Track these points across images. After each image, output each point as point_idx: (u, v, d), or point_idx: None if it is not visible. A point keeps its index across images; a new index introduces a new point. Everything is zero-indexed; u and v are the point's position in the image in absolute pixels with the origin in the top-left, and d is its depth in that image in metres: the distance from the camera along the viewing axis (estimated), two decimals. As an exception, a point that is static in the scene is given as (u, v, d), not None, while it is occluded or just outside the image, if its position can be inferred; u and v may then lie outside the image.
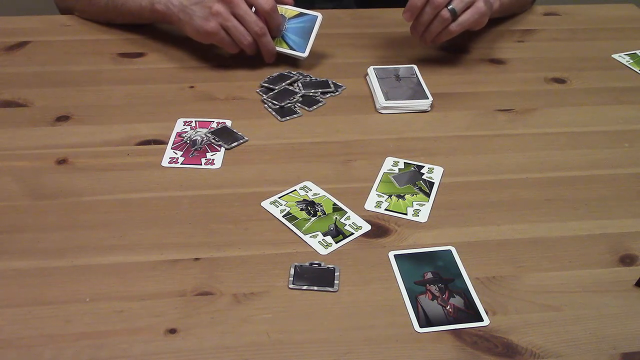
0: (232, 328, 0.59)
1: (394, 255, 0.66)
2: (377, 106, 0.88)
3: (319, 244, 0.67)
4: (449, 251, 0.67)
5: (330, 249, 0.67)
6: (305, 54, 0.93)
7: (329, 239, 0.68)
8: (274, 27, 0.92)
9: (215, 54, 0.98)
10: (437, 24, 0.91)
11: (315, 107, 0.89)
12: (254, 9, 0.90)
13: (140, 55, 0.98)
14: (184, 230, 0.69)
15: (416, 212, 0.72)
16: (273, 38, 0.93)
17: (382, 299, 0.62)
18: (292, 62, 0.97)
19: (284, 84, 0.91)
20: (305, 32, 0.94)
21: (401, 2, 1.17)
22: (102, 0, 1.01)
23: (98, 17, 1.04)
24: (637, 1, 1.21)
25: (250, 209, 0.71)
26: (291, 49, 0.94)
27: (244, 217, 0.70)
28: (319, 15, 0.94)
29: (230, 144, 0.80)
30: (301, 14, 0.95)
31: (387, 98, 0.88)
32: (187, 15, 0.91)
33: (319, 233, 0.69)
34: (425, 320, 0.60)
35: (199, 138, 0.81)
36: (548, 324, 0.60)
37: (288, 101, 0.89)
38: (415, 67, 0.96)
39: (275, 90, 0.90)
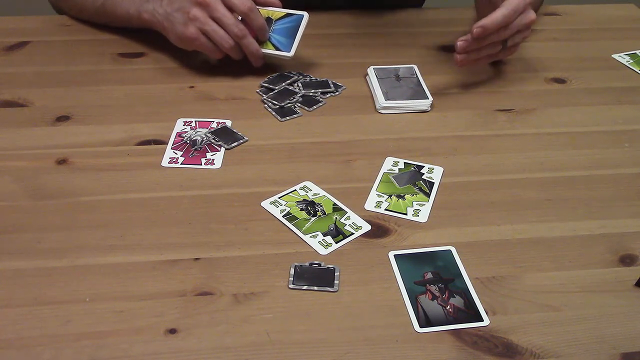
0: (232, 328, 0.59)
1: (394, 255, 0.66)
2: (377, 106, 0.88)
3: (319, 244, 0.67)
4: (449, 251, 0.67)
5: (330, 249, 0.67)
6: (291, 53, 0.91)
7: (329, 239, 0.68)
8: (257, 29, 0.90)
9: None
10: (488, 51, 0.88)
11: (315, 107, 0.89)
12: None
13: (140, 55, 0.98)
14: (184, 230, 0.69)
15: (416, 212, 0.72)
16: (260, 42, 0.91)
17: (382, 299, 0.62)
18: (292, 62, 0.97)
19: (284, 84, 0.91)
20: (291, 32, 0.92)
21: (407, 4, 1.17)
22: (92, 7, 1.01)
23: (90, 21, 1.04)
24: (637, 1, 1.21)
25: (250, 209, 0.71)
26: (277, 49, 0.92)
27: (244, 217, 0.70)
28: (304, 14, 0.92)
29: (230, 144, 0.81)
30: (288, 15, 0.93)
31: (387, 98, 0.88)
32: (170, 23, 0.90)
33: (319, 233, 0.69)
34: (425, 320, 0.60)
35: (199, 138, 0.81)
36: (548, 324, 0.60)
37: (288, 101, 0.89)
38: (415, 67, 0.96)
39: (275, 90, 0.90)
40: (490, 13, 0.84)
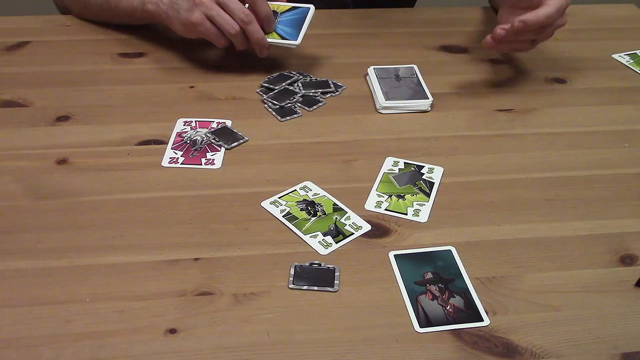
0: (232, 328, 0.59)
1: (394, 255, 0.66)
2: (377, 106, 0.88)
3: (319, 244, 0.67)
4: (449, 251, 0.67)
5: (330, 249, 0.67)
6: (298, 42, 0.90)
7: (329, 239, 0.68)
8: (263, 17, 0.90)
9: (216, 54, 0.98)
10: (517, 46, 0.91)
11: (315, 107, 0.89)
12: (246, 5, 0.90)
13: (140, 55, 0.98)
14: (184, 230, 0.69)
15: (416, 212, 0.72)
16: (265, 32, 0.91)
17: (382, 299, 0.62)
18: (292, 61, 0.97)
19: (284, 84, 0.91)
20: (297, 23, 0.92)
21: (398, 3, 1.17)
22: (96, 2, 1.01)
23: (94, 18, 1.04)
24: (637, 1, 1.21)
25: (250, 209, 0.71)
26: (283, 39, 0.91)
27: (244, 217, 0.70)
28: (311, 6, 0.93)
29: (230, 144, 0.81)
30: (293, 8, 0.94)
31: (387, 98, 0.88)
32: (175, 11, 0.91)
33: (319, 233, 0.69)
34: (425, 320, 0.60)
35: (199, 138, 0.81)
36: (548, 324, 0.60)
37: (288, 101, 0.89)
38: (415, 67, 0.96)
39: (275, 90, 0.90)
40: (535, 10, 0.85)
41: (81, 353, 0.56)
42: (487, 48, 0.88)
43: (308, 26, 0.92)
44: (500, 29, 0.85)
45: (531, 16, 0.84)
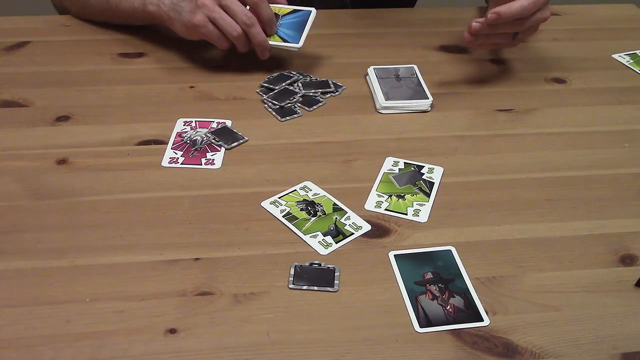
0: (232, 328, 0.59)
1: (394, 255, 0.66)
2: (377, 106, 0.88)
3: (319, 244, 0.67)
4: (449, 251, 0.67)
5: (330, 249, 0.67)
6: (299, 45, 0.91)
7: (329, 239, 0.68)
8: (265, 20, 0.90)
9: (216, 54, 0.98)
10: (497, 40, 0.90)
11: (315, 107, 0.88)
12: (248, 7, 0.90)
13: (140, 55, 0.98)
14: (184, 230, 0.69)
15: (416, 212, 0.72)
16: (267, 35, 0.91)
17: (382, 299, 0.62)
18: (292, 61, 0.97)
19: (284, 84, 0.91)
20: (298, 26, 0.92)
21: (395, 3, 1.17)
22: (96, 3, 1.01)
23: (94, 18, 1.04)
24: (637, 1, 1.21)
25: (250, 209, 0.71)
26: (284, 41, 0.92)
27: (244, 217, 0.70)
28: (313, 9, 0.93)
29: (230, 144, 0.81)
30: (295, 11, 0.94)
31: (387, 98, 0.88)
32: (176, 12, 0.91)
33: (319, 233, 0.69)
34: (425, 320, 0.60)
35: (199, 138, 0.81)
36: (548, 324, 0.60)
37: (288, 101, 0.88)
38: (415, 67, 0.96)
39: (275, 90, 0.90)
40: (509, 2, 0.84)
41: (81, 353, 0.56)
42: (467, 43, 0.87)
43: (310, 29, 0.92)
44: (475, 22, 0.85)
45: (504, 8, 0.83)
